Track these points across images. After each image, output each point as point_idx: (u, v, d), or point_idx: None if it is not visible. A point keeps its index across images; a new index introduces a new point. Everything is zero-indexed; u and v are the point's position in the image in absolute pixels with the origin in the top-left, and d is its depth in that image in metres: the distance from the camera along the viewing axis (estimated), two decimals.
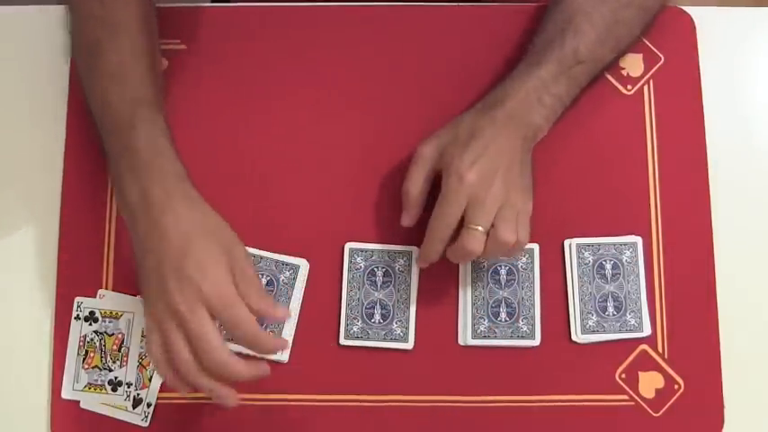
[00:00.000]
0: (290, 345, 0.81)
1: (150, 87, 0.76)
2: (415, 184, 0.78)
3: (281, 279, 0.82)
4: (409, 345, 0.81)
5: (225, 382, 0.71)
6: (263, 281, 0.81)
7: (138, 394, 0.80)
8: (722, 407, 0.81)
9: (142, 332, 0.81)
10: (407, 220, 0.79)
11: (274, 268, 0.82)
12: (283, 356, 0.80)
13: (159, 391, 0.80)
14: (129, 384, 0.80)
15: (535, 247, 0.82)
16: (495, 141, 0.76)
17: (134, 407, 0.80)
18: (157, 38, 0.80)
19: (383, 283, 0.82)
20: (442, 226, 0.75)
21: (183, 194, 0.73)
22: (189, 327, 0.69)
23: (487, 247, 0.75)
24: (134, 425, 0.80)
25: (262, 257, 0.82)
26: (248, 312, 0.71)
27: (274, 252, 0.82)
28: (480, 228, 0.74)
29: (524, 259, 0.82)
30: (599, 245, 0.83)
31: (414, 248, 0.82)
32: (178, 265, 0.70)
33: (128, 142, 0.74)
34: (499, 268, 0.82)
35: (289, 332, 0.81)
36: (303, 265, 0.82)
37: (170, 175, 0.74)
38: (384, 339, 0.81)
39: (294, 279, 0.81)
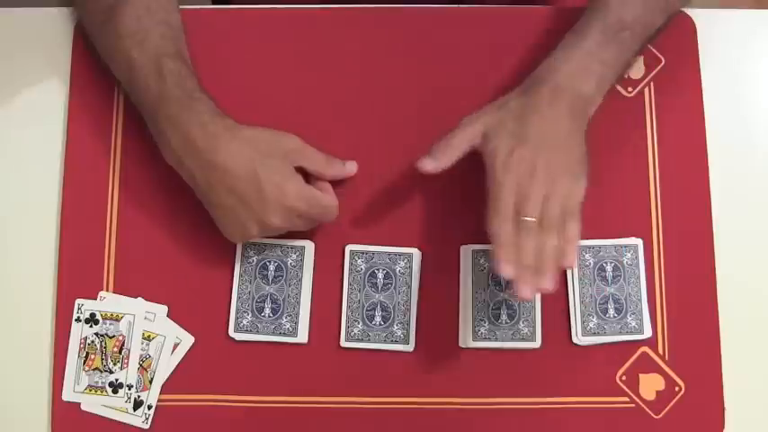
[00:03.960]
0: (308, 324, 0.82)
1: (170, 40, 0.79)
2: (457, 143, 0.76)
3: (288, 263, 0.82)
4: (410, 347, 0.81)
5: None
6: (272, 266, 0.82)
7: (138, 396, 0.80)
8: (723, 409, 0.81)
9: (142, 334, 0.81)
10: (431, 164, 0.76)
11: (280, 253, 0.82)
12: (302, 338, 0.81)
13: (160, 394, 0.80)
14: (129, 386, 0.80)
15: None
16: (540, 122, 0.75)
17: (135, 409, 0.80)
18: None
19: (384, 285, 0.82)
20: (501, 226, 0.73)
21: (224, 128, 0.77)
22: (294, 227, 0.78)
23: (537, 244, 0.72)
24: (135, 427, 0.80)
25: (266, 245, 0.82)
26: (325, 197, 0.79)
27: None
28: (531, 219, 0.73)
29: None
30: (600, 247, 0.83)
31: (414, 250, 0.82)
32: (259, 195, 0.75)
33: (159, 93, 0.77)
34: None
35: (304, 320, 0.81)
36: (308, 245, 0.82)
37: (205, 114, 0.77)
38: (385, 341, 0.81)
39: (302, 260, 0.82)
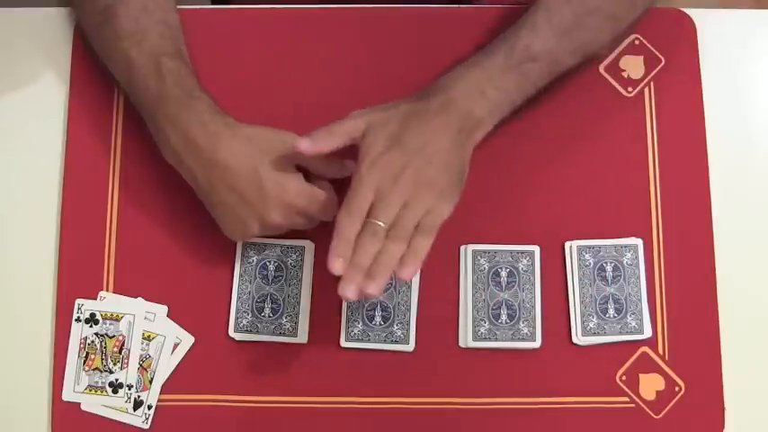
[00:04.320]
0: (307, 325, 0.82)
1: (169, 39, 0.79)
2: (338, 132, 0.75)
3: (288, 263, 0.82)
4: (410, 347, 0.81)
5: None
6: (272, 266, 0.82)
7: (138, 396, 0.80)
8: (723, 409, 0.81)
9: (143, 334, 0.81)
10: (307, 145, 0.74)
11: (280, 253, 0.82)
12: (302, 338, 0.81)
13: (160, 394, 0.80)
14: (129, 386, 0.80)
15: (536, 249, 0.82)
16: (422, 131, 0.73)
17: (135, 409, 0.80)
18: None
19: None
20: (348, 219, 0.71)
21: (225, 126, 0.77)
22: (295, 225, 0.78)
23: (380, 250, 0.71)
24: (135, 427, 0.80)
25: (266, 245, 0.82)
26: (325, 194, 0.78)
27: None
28: (381, 223, 0.71)
29: (525, 261, 0.82)
30: (600, 247, 0.83)
31: None
32: (260, 192, 0.75)
33: (158, 93, 0.77)
34: (500, 270, 0.82)
35: (304, 320, 0.81)
36: (308, 245, 0.82)
37: (204, 112, 0.77)
38: (385, 341, 0.81)
39: (302, 260, 0.82)
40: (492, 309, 0.82)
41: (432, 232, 0.73)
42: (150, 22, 0.79)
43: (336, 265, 0.70)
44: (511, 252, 0.83)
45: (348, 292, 0.70)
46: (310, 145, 0.74)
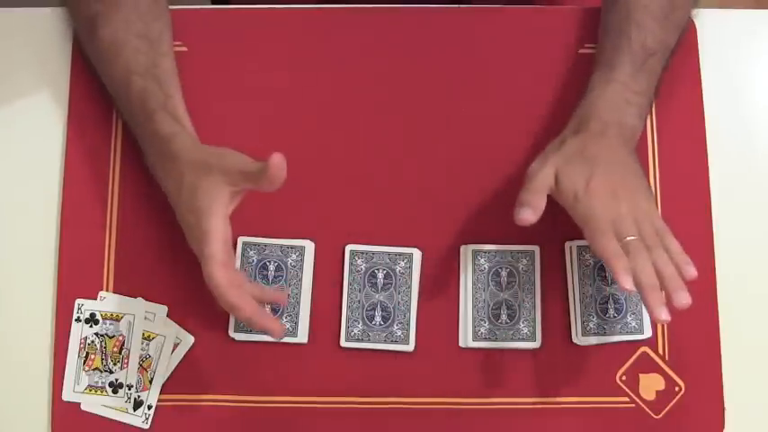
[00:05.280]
0: (307, 329, 0.82)
1: (143, 55, 0.79)
2: (540, 188, 0.75)
3: (288, 263, 0.82)
4: (410, 347, 0.81)
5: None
6: (272, 267, 0.82)
7: (138, 396, 0.80)
8: (723, 409, 0.81)
9: (143, 334, 0.81)
10: (529, 214, 0.74)
11: (280, 253, 0.82)
12: (302, 338, 0.81)
13: (160, 394, 0.80)
14: (129, 386, 0.80)
15: (536, 249, 0.82)
16: (602, 151, 0.76)
17: (135, 409, 0.80)
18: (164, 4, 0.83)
19: (384, 285, 0.82)
20: (608, 244, 0.72)
21: (168, 156, 0.76)
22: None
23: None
24: (135, 427, 0.80)
25: (266, 245, 0.82)
26: (216, 268, 0.73)
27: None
28: (635, 237, 0.73)
29: (525, 261, 0.82)
30: None
31: (414, 250, 0.82)
32: (187, 230, 0.76)
33: (130, 110, 0.79)
34: (500, 270, 0.82)
35: (304, 320, 0.81)
36: (308, 245, 0.82)
37: (156, 136, 0.77)
38: (385, 341, 0.81)
39: (302, 260, 0.82)
40: (492, 309, 0.82)
41: (668, 229, 0.75)
42: (128, 36, 0.79)
43: (629, 281, 0.71)
44: (511, 252, 0.83)
45: (664, 314, 0.71)
46: (532, 213, 0.74)
